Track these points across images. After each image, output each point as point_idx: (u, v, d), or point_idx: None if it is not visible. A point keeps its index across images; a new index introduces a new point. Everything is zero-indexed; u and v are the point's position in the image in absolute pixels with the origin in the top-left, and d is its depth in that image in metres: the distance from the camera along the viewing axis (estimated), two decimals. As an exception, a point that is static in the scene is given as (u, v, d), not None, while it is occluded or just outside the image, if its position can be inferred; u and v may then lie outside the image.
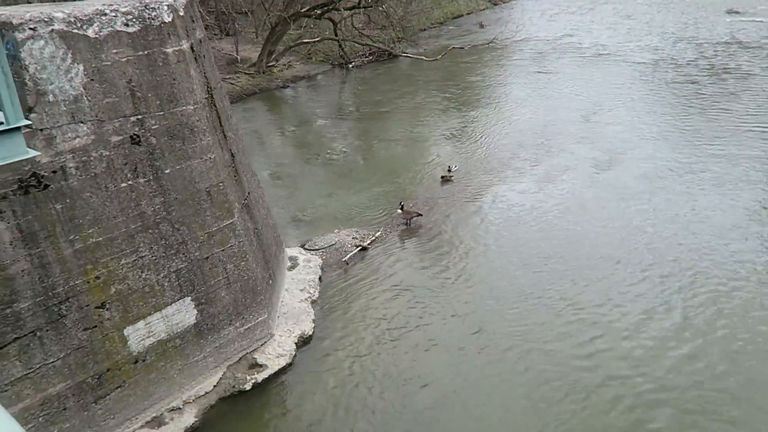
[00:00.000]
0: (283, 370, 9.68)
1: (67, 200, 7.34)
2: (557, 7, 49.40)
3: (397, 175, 17.86)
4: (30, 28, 6.77)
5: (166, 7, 7.88)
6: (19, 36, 6.71)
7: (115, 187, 7.71)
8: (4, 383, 7.09)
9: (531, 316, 10.82)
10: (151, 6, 7.76)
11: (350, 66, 32.77)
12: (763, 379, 9.19)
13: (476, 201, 15.79)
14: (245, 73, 29.09)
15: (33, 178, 7.03)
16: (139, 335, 8.27)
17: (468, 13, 49.24)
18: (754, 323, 10.40)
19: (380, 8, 32.28)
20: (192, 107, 8.25)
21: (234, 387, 9.24)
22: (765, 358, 9.61)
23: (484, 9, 51.87)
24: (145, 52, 7.68)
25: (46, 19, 6.89)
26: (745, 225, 13.73)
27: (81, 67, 7.19)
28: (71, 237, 7.42)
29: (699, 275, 11.86)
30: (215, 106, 9.30)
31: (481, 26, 43.20)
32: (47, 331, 7.37)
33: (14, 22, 6.68)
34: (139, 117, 7.78)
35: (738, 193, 15.33)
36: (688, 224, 13.89)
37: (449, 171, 17.72)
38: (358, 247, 13.50)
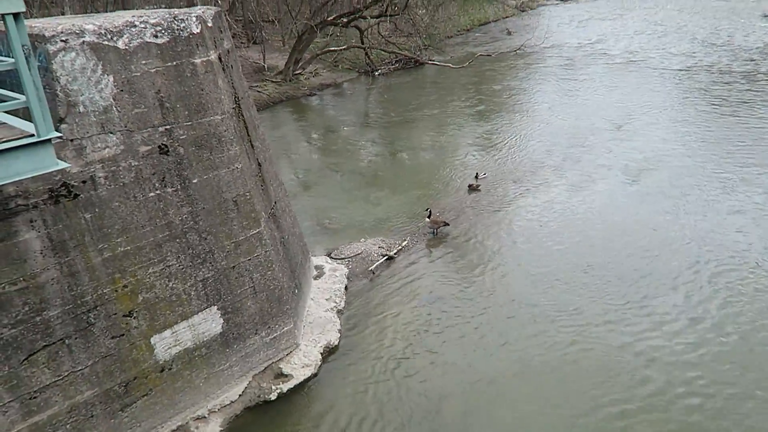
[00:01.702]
0: (308, 380, 9.63)
1: (96, 210, 7.43)
2: (586, 14, 48.96)
3: (423, 183, 17.78)
4: (62, 40, 6.88)
5: (194, 19, 7.96)
6: (51, 48, 6.83)
7: (143, 196, 7.78)
8: (33, 390, 7.18)
9: (565, 333, 10.55)
10: (180, 17, 7.84)
11: (377, 74, 32.88)
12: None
13: (504, 210, 15.63)
14: (272, 81, 29.38)
15: (63, 188, 7.13)
16: (166, 344, 8.31)
17: (495, 20, 49.10)
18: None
19: (407, 16, 32.36)
20: (219, 117, 8.29)
21: (259, 397, 9.23)
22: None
23: (511, 16, 51.68)
24: (174, 63, 7.75)
25: (77, 32, 7.00)
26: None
27: (111, 78, 7.28)
28: (100, 246, 7.50)
29: (743, 292, 11.47)
30: (242, 116, 9.35)
31: (509, 33, 43.00)
32: (76, 338, 7.46)
33: (46, 34, 6.80)
34: (168, 127, 7.84)
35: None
36: (726, 236, 13.50)
37: (476, 178, 17.61)
38: (384, 256, 13.43)
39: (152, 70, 7.58)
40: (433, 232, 14.60)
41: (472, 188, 17.00)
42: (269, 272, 9.35)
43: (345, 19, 30.58)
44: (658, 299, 11.31)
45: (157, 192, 7.90)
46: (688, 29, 39.58)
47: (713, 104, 23.55)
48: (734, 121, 21.42)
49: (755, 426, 8.44)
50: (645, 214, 14.84)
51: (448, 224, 14.62)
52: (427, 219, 14.51)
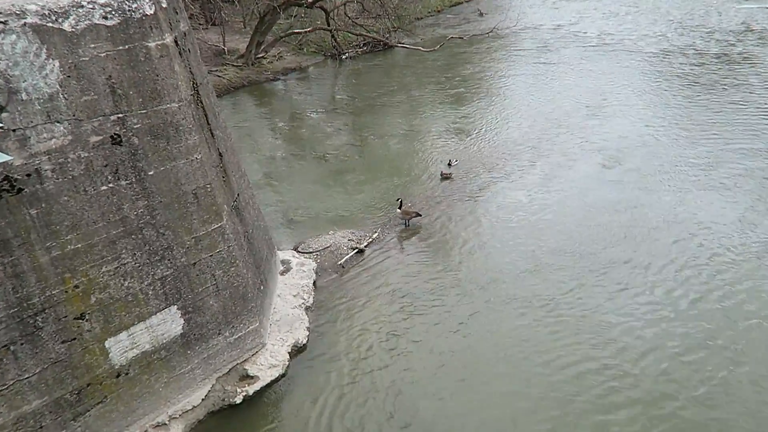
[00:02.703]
0: (276, 382, 9.57)
1: (43, 205, 7.18)
2: (560, -6, 49.30)
3: (394, 172, 17.77)
4: (1, 22, 6.59)
5: (147, -2, 7.71)
6: (-11, 30, 6.53)
7: (94, 190, 7.56)
8: (-23, 401, 6.94)
9: (540, 325, 10.69)
10: (132, -3, 7.58)
11: (344, 57, 32.60)
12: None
13: (478, 199, 15.72)
14: (233, 66, 28.91)
15: (5, 182, 6.86)
16: (122, 347, 8.13)
17: (467, 0, 49.10)
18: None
19: (374, -4, 32.14)
20: (177, 105, 8.09)
21: (224, 400, 9.12)
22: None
23: (483, -4, 51.66)
24: (126, 47, 7.51)
25: (18, 12, 6.71)
26: (759, 221, 13.67)
27: (56, 63, 7.02)
28: (48, 244, 7.26)
29: (719, 279, 11.76)
30: (201, 103, 9.16)
31: (481, 14, 43.06)
32: (22, 344, 7.22)
33: (-16, 15, 6.50)
34: (120, 116, 7.62)
35: (758, 190, 15.24)
36: (703, 223, 13.80)
37: (449, 165, 17.68)
38: (354, 249, 13.40)
39: (102, 55, 7.33)
40: (405, 224, 14.61)
41: (445, 177, 17.05)
42: (232, 268, 9.22)
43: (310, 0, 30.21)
44: (637, 288, 11.53)
45: (110, 185, 7.68)
46: (663, 11, 40.21)
47: (688, 86, 24.01)
48: (709, 103, 21.87)
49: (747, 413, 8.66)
50: (623, 200, 15.09)
51: (420, 215, 14.64)
52: (399, 210, 14.51)
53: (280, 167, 18.70)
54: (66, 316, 7.55)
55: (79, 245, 7.54)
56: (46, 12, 6.91)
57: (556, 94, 24.25)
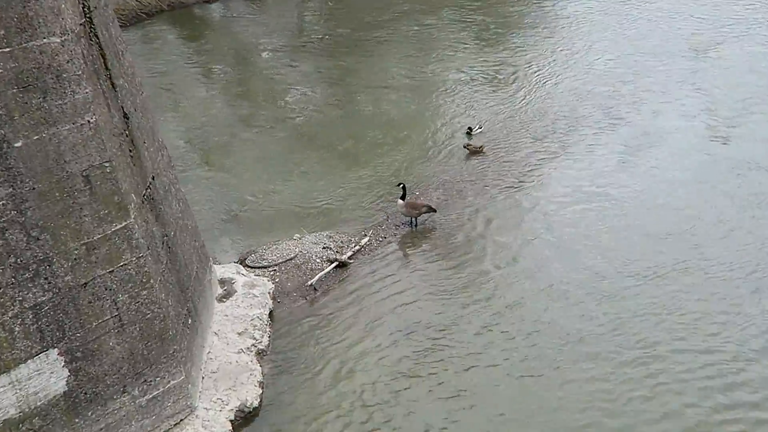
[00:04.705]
0: (210, 467, 9.54)
1: None
2: None
3: (394, 143, 17.75)
4: None
5: None
6: None
7: (-70, 170, 7.50)
8: None
9: (625, 391, 10.52)
10: None
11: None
12: None
13: (522, 186, 15.73)
14: (147, -21, 28.85)
15: None
16: (-27, 413, 8.07)
17: None
18: None
19: None
20: (58, 40, 8.02)
21: (130, 495, 9.07)
22: None
23: None
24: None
25: None
26: None
27: None
28: None
29: None
30: (96, 37, 9.07)
31: None
32: None
33: None
34: (-31, 56, 7.54)
35: None
36: None
37: (470, 133, 17.73)
38: (332, 262, 13.35)
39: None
40: (411, 223, 14.58)
41: (472, 150, 17.05)
42: (144, 292, 9.18)
43: None
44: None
45: (-47, 163, 7.62)
46: None
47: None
48: None
49: None
50: (739, 190, 15.10)
51: (434, 210, 14.60)
52: (401, 201, 14.46)
53: (220, 137, 18.66)
54: None
55: None
56: None
57: (640, 28, 24.28)
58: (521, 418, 10.18)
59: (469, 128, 17.88)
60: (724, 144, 17.03)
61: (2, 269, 8.06)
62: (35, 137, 8.09)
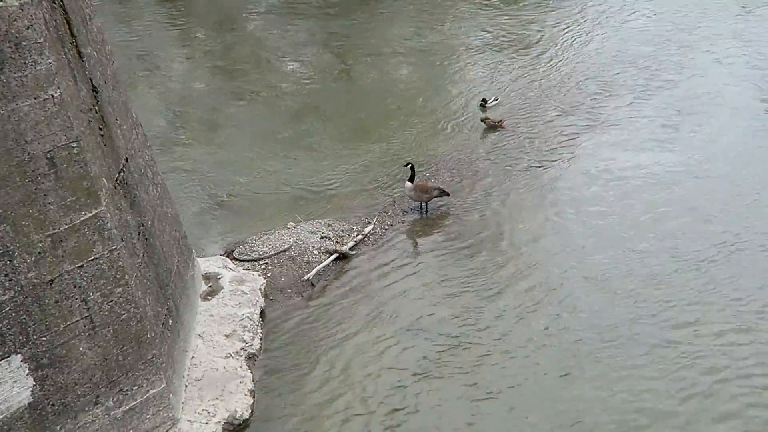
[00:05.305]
0: (195, 487, 9.59)
1: None
2: None
3: (401, 118, 17.75)
4: None
5: None
6: None
7: None
8: None
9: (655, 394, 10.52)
10: None
11: None
12: None
13: (548, 165, 15.71)
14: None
15: None
16: (-75, 429, 8.09)
17: None
18: None
19: None
20: (16, 3, 7.98)
21: None
22: None
23: None
24: None
25: None
26: None
27: None
28: None
29: None
30: (61, 0, 9.05)
31: None
32: None
33: None
34: None
35: None
36: None
37: (483, 106, 17.75)
38: (331, 254, 13.34)
39: None
40: (421, 209, 14.59)
41: (490, 125, 17.03)
42: (118, 289, 9.17)
43: None
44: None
45: None
46: None
47: None
48: None
49: None
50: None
51: (448, 193, 14.59)
52: (409, 184, 14.42)
53: (202, 111, 18.68)
54: None
55: None
56: None
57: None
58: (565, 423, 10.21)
59: (483, 100, 17.86)
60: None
61: (-44, 265, 8.06)
62: (-9, 114, 8.07)
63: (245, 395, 10.57)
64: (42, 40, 8.33)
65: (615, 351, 11.10)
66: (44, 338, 8.79)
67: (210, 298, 12.21)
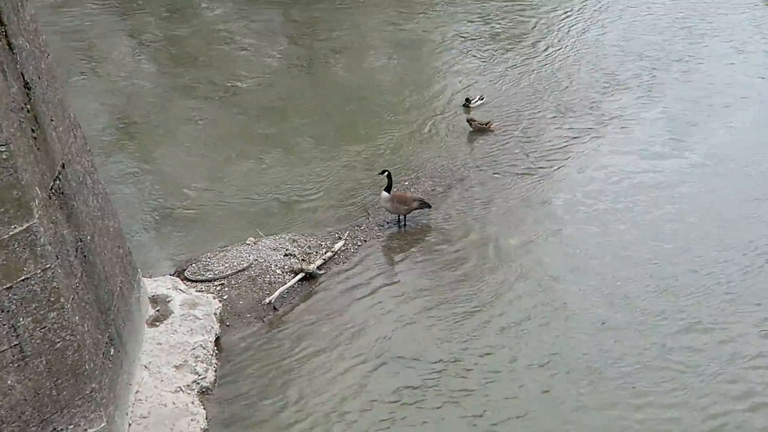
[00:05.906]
0: None
1: None
2: None
3: (376, 118, 17.84)
4: None
5: None
6: None
7: None
8: None
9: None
10: None
11: None
12: None
13: (542, 172, 15.80)
14: None
15: None
16: None
17: None
18: None
19: None
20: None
21: None
22: None
23: None
24: None
25: None
26: None
27: None
28: None
29: None
30: (-13, -18, 9.04)
31: None
32: None
33: None
34: None
35: None
36: None
37: (467, 106, 17.86)
38: (296, 273, 13.37)
39: None
40: (398, 222, 14.65)
41: (477, 127, 17.10)
42: (52, 314, 9.13)
43: None
44: None
45: None
46: None
47: None
48: None
49: None
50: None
51: (429, 205, 14.64)
52: (385, 194, 14.45)
53: (150, 111, 18.67)
54: None
55: None
56: None
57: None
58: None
59: (467, 99, 17.97)
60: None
61: None
62: None
63: (197, 435, 10.57)
64: (-36, 28, 8.33)
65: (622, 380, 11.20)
66: (-34, 370, 8.74)
67: (158, 324, 12.13)
